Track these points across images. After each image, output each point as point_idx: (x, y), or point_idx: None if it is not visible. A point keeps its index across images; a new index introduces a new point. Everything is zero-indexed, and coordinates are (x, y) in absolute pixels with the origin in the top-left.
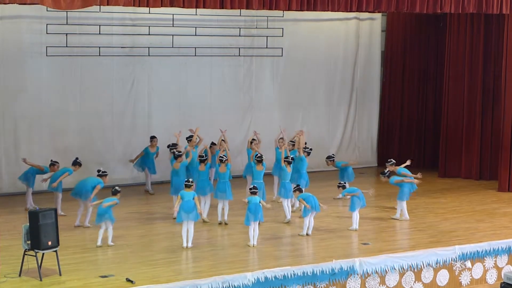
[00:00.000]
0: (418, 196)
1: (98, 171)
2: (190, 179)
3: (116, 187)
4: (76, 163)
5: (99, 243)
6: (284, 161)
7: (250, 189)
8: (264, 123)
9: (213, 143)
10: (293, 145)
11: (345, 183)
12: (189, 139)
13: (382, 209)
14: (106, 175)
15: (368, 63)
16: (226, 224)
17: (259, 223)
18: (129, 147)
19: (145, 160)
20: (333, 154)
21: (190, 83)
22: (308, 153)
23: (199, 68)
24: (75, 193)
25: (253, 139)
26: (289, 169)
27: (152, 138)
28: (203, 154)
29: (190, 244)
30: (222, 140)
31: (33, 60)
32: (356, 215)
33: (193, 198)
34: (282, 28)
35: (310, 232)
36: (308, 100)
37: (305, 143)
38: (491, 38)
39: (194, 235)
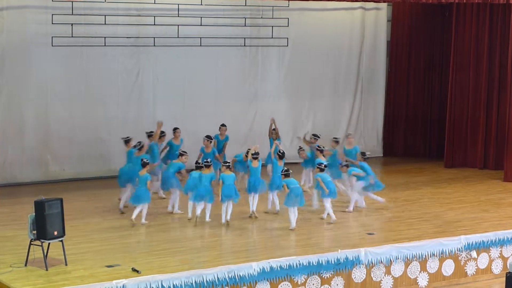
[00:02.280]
0: (424, 186)
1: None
2: (228, 161)
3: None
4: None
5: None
6: (277, 154)
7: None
8: (269, 113)
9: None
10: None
11: (347, 163)
12: (149, 134)
13: (388, 199)
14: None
15: (374, 53)
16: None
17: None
18: (134, 137)
19: (169, 155)
20: (338, 138)
21: (195, 73)
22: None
23: (204, 58)
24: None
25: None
26: (280, 163)
27: (175, 129)
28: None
29: (229, 217)
30: (273, 129)
31: (39, 50)
32: (354, 198)
33: (234, 182)
34: (288, 18)
35: (293, 225)
36: (313, 90)
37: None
38: (496, 28)
39: (200, 225)
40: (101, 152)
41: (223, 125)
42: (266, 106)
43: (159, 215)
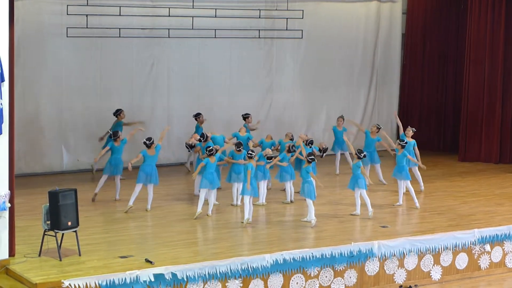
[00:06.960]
0: (438, 180)
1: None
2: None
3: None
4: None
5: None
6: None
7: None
8: (284, 104)
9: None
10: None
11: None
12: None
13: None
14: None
15: (389, 46)
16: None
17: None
18: (149, 128)
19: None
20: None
21: (210, 65)
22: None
23: (218, 50)
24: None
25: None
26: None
27: (198, 115)
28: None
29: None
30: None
31: (54, 41)
32: (361, 197)
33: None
34: (302, 10)
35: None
36: (328, 82)
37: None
38: None
39: (213, 217)
40: None
41: (246, 115)
42: (281, 98)
43: (172, 206)
